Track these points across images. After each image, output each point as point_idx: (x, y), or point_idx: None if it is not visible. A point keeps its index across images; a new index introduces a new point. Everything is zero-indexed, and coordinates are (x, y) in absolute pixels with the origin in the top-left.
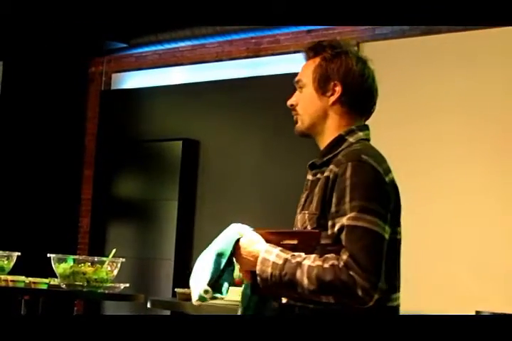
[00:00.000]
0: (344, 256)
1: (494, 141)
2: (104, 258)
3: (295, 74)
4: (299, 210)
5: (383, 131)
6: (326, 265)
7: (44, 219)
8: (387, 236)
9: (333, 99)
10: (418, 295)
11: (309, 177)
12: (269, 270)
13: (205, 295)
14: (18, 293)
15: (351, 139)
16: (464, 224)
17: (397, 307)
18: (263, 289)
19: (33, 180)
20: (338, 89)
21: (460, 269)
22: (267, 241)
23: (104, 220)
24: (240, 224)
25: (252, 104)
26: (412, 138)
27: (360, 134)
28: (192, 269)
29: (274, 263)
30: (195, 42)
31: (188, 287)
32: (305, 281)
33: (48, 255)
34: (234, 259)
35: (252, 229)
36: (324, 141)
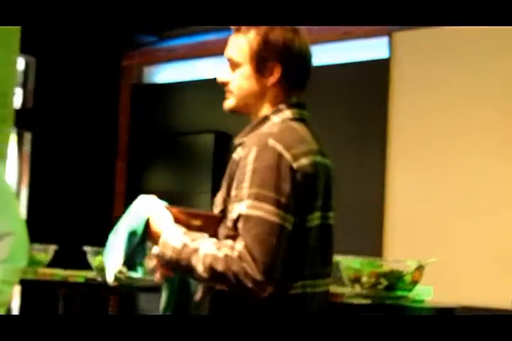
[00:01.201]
0: (239, 246)
1: None
2: None
3: (322, 67)
4: None
5: (422, 118)
6: (220, 254)
7: (79, 212)
8: (287, 224)
9: (272, 80)
10: (454, 287)
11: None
12: (169, 253)
13: (120, 275)
14: (56, 286)
15: (276, 119)
16: (499, 215)
17: (303, 295)
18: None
19: (68, 173)
20: (278, 69)
21: (495, 260)
22: (177, 220)
23: None
24: (150, 198)
25: None
26: (444, 129)
27: (287, 113)
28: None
29: (173, 246)
30: (227, 34)
31: None
32: (200, 269)
33: (84, 248)
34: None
35: (165, 204)
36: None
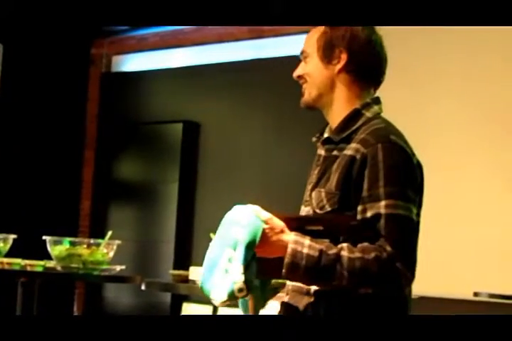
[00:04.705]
0: (387, 247)
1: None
2: (100, 241)
3: (298, 57)
4: (310, 186)
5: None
6: (368, 257)
7: (44, 201)
8: (416, 219)
9: (339, 66)
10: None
11: (321, 152)
12: (303, 262)
13: (239, 294)
14: (14, 276)
15: (368, 114)
16: (460, 204)
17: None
18: (290, 279)
19: (33, 161)
20: (344, 56)
21: (458, 249)
22: (288, 227)
23: (105, 203)
24: (255, 207)
25: (253, 87)
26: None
27: (376, 108)
28: (205, 260)
29: (308, 255)
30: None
31: (186, 269)
32: (345, 274)
33: (44, 237)
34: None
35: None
36: (334, 113)
